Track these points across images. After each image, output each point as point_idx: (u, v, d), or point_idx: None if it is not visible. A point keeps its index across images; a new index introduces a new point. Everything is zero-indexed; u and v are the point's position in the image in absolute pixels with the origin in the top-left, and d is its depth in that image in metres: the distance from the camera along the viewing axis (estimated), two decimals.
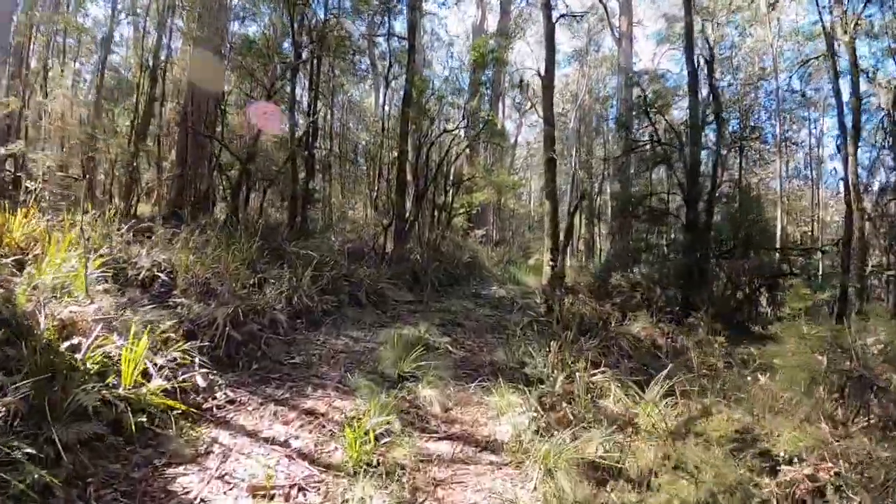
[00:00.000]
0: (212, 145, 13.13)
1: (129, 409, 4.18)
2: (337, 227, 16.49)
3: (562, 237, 9.34)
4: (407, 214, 13.34)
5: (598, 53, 29.03)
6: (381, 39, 19.02)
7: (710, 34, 14.64)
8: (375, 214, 16.76)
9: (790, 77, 15.96)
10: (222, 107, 14.47)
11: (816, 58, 14.15)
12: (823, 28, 13.56)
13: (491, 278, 15.90)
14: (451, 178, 14.17)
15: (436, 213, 13.91)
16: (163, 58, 17.68)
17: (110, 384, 4.35)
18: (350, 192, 22.34)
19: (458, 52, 25.49)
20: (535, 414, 4.90)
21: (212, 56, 13.83)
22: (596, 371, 5.87)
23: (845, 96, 13.29)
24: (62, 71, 17.43)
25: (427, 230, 13.80)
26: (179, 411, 4.45)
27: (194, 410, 4.54)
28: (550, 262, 8.70)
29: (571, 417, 5.09)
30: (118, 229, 8.54)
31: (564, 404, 5.33)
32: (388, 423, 4.50)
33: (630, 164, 15.99)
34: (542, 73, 9.66)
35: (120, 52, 23.64)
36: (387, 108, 19.26)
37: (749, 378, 6.60)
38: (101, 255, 7.19)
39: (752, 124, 14.90)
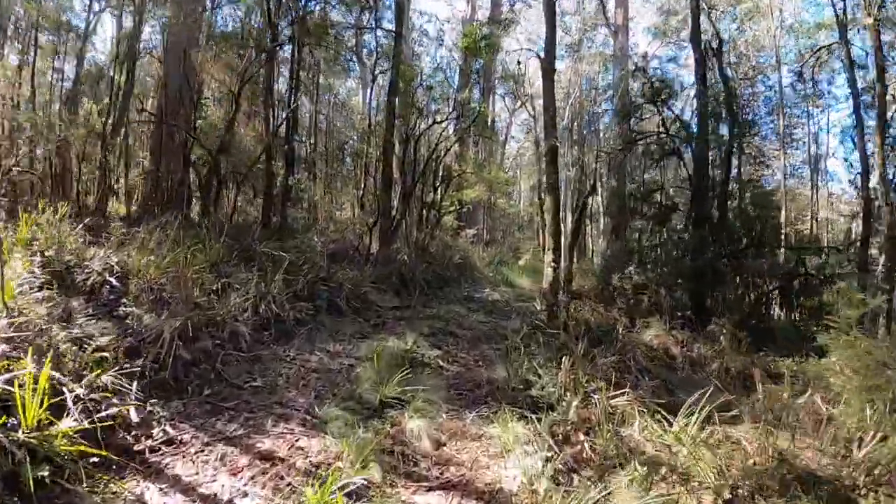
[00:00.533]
0: (186, 138, 12.12)
1: (28, 458, 3.21)
2: (320, 227, 15.55)
3: (568, 236, 8.42)
4: (394, 212, 12.39)
5: (591, 50, 28.08)
6: (368, 37, 18.13)
7: (715, 22, 13.76)
8: (362, 214, 15.77)
9: (800, 67, 15.08)
10: (198, 98, 13.45)
11: (829, 46, 13.32)
12: (836, 14, 12.76)
13: (483, 280, 14.98)
14: (441, 174, 13.23)
15: (424, 211, 12.96)
16: (141, 49, 16.79)
17: (8, 425, 3.38)
18: (338, 191, 21.48)
19: (447, 42, 24.55)
20: (549, 453, 3.95)
21: (187, 45, 12.84)
22: (617, 393, 4.94)
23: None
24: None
25: (415, 229, 12.85)
26: (99, 458, 3.48)
27: (116, 458, 3.54)
28: (552, 264, 7.79)
29: (591, 454, 4.17)
30: (73, 228, 7.56)
31: (582, 436, 4.40)
32: (364, 467, 3.56)
33: (631, 159, 15.09)
34: (542, 55, 8.75)
35: (104, 49, 22.59)
36: (374, 103, 18.33)
37: (793, 398, 5.75)
38: (46, 257, 6.29)
39: (752, 119, 14.00)
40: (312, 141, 21.91)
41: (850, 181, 24.18)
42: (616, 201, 17.42)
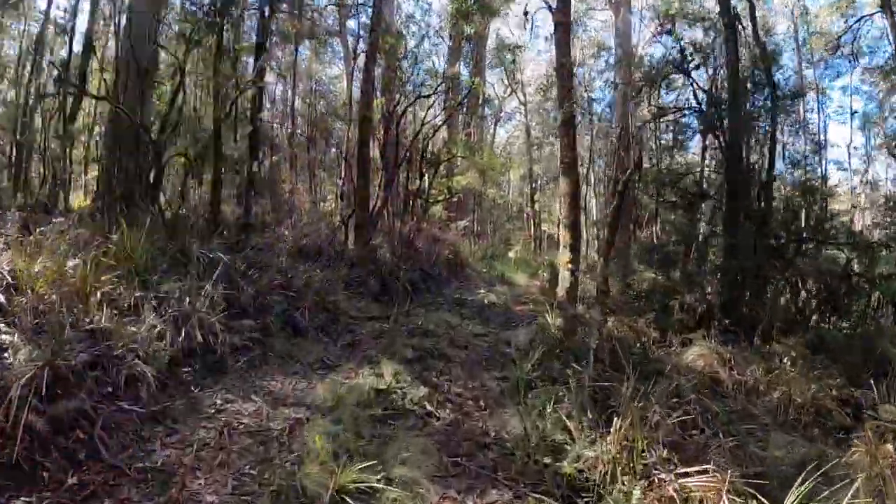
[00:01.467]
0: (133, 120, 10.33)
1: None
2: (293, 220, 13.87)
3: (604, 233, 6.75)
4: (375, 202, 10.68)
5: (587, 34, 26.22)
6: (352, 23, 16.49)
7: None
8: (344, 205, 14.08)
9: (839, 39, 13.39)
10: (147, 73, 11.63)
11: (871, 15, 11.70)
12: None
13: (475, 277, 13.33)
14: (428, 157, 11.51)
15: (409, 200, 11.24)
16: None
17: None
18: (322, 181, 19.99)
19: (436, 5, 22.67)
20: None
21: (147, 21, 10.98)
22: (694, 470, 3.28)
23: None
24: None
25: (399, 221, 11.14)
26: None
27: None
28: (569, 266, 6.15)
29: None
30: None
31: None
32: None
33: (635, 142, 13.39)
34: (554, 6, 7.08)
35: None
36: (357, 83, 16.65)
37: None
38: None
39: (794, 92, 12.33)
40: (290, 127, 20.21)
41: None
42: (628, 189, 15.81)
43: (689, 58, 8.74)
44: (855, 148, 22.47)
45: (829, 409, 5.89)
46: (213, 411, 4.04)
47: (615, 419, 3.55)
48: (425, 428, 4.16)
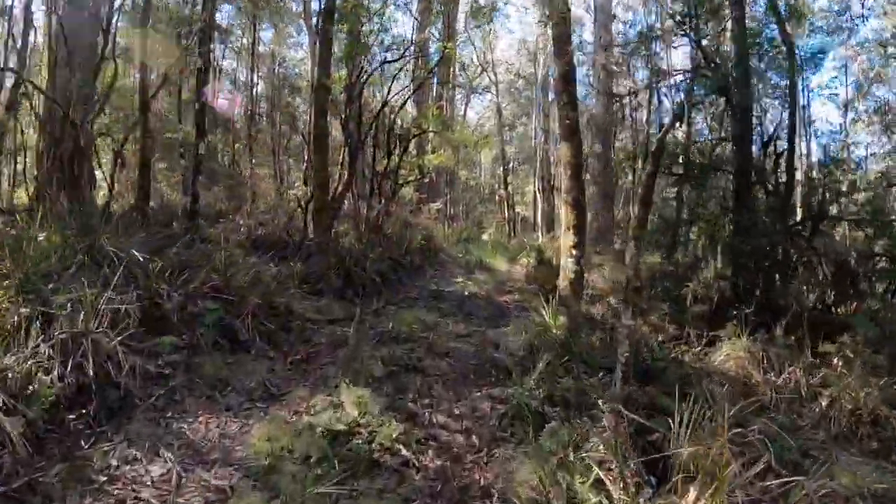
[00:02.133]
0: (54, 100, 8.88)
1: None
2: (248, 208, 12.68)
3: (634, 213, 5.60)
4: (337, 183, 9.46)
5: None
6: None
7: None
8: (309, 190, 12.86)
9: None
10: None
11: None
12: None
13: (451, 264, 12.22)
14: (397, 132, 10.27)
15: (376, 181, 9.99)
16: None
17: None
18: (290, 167, 18.96)
19: None
20: None
21: None
22: None
23: None
24: None
25: (365, 204, 9.91)
26: None
27: None
28: (573, 252, 5.04)
29: None
30: None
31: None
32: None
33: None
34: None
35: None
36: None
37: None
38: None
39: (819, 51, 11.24)
40: (249, 107, 18.85)
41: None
42: (600, 166, 14.83)
43: (694, 10, 7.61)
44: (840, 125, 21.81)
45: (887, 416, 4.92)
46: (104, 479, 2.83)
47: (672, 475, 2.43)
48: (401, 487, 3.01)
